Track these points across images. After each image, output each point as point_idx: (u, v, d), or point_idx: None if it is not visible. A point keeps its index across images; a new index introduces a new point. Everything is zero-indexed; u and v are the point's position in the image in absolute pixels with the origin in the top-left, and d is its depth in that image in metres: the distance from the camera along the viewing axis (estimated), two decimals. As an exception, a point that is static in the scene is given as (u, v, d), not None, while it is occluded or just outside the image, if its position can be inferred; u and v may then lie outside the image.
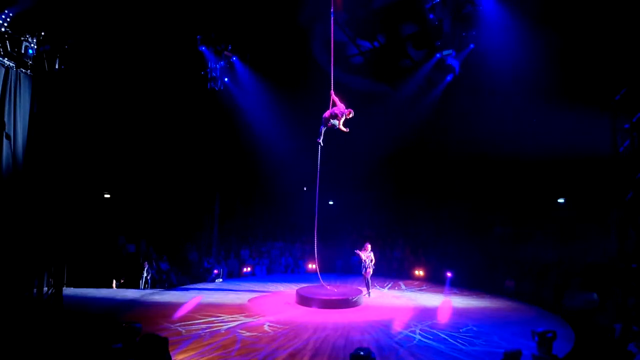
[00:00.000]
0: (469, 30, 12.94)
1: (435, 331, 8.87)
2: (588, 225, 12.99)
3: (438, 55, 14.06)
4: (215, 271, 14.92)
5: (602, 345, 8.11)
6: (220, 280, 14.83)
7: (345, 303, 10.88)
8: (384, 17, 13.89)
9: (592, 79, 10.98)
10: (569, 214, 14.23)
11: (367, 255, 12.07)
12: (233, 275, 15.69)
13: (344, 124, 10.15)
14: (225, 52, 14.62)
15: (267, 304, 11.24)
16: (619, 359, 6.83)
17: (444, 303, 11.65)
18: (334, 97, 10.25)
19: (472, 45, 13.23)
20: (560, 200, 15.43)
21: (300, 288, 12.15)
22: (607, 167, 9.37)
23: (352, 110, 10.08)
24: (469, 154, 14.85)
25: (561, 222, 14.06)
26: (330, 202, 18.46)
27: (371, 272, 12.13)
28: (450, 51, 13.68)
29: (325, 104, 10.53)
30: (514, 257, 13.97)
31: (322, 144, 10.71)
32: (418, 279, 15.32)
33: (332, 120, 10.21)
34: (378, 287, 13.13)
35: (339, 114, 9.99)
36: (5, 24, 9.57)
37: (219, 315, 9.91)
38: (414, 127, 16.13)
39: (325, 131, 10.57)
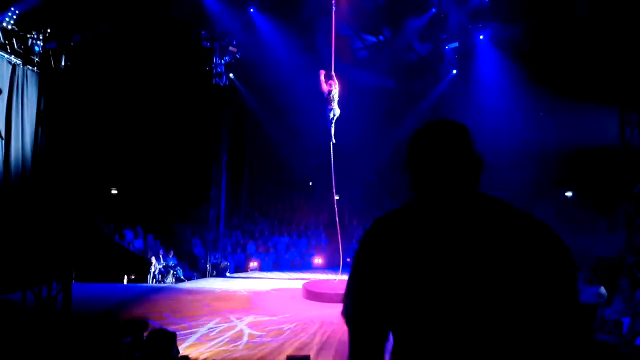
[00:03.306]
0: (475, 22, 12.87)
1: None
2: (596, 218, 12.90)
3: (443, 48, 13.98)
4: (222, 265, 14.99)
5: (610, 340, 8.07)
6: (227, 274, 14.89)
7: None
8: (389, 11, 13.82)
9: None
10: (576, 207, 14.13)
11: None
12: (239, 269, 15.76)
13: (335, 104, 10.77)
14: (230, 48, 14.62)
15: (273, 298, 11.28)
16: (628, 354, 6.80)
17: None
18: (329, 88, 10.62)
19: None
20: (568, 194, 15.31)
21: (307, 282, 12.18)
22: (615, 159, 9.28)
23: (332, 82, 10.67)
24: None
25: (568, 215, 13.95)
26: (337, 197, 18.46)
27: None
28: (455, 44, 13.60)
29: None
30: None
31: (334, 142, 11.18)
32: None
33: (333, 111, 10.67)
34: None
35: (330, 91, 10.61)
36: (12, 22, 9.61)
37: (226, 309, 9.96)
38: (419, 120, 16.07)
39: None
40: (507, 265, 1.18)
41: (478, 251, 1.19)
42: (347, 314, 1.36)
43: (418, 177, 1.35)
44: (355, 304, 1.33)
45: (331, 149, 11.30)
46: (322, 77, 10.63)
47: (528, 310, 1.18)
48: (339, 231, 12.09)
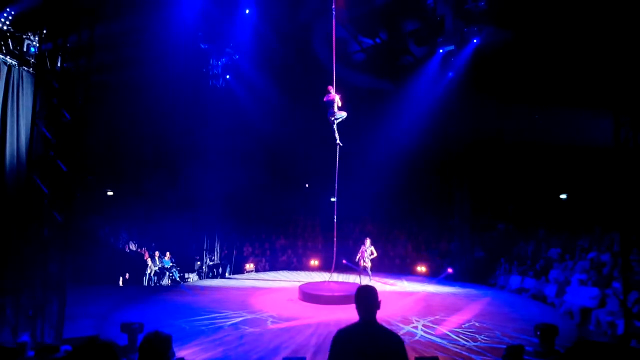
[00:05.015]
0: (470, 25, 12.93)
1: (437, 327, 8.89)
2: (590, 221, 12.97)
3: (439, 51, 14.04)
4: (218, 267, 14.97)
5: (604, 342, 8.12)
6: (224, 276, 14.87)
7: (348, 299, 10.90)
8: (386, 14, 13.87)
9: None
10: (571, 210, 14.22)
11: (365, 249, 12.87)
12: (236, 271, 15.75)
13: (339, 108, 11.01)
14: (227, 49, 14.62)
15: (269, 300, 11.28)
16: (622, 356, 6.84)
17: (445, 299, 11.67)
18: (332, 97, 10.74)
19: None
20: (563, 196, 15.40)
21: (303, 284, 12.18)
22: (609, 161, 9.33)
23: (337, 94, 10.97)
24: (472, 150, 14.79)
25: (563, 218, 14.04)
26: (333, 199, 18.47)
27: (369, 264, 12.77)
28: (451, 47, 13.66)
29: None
30: (517, 253, 13.98)
31: (341, 144, 11.36)
32: (420, 275, 15.34)
33: (337, 114, 10.76)
34: (380, 283, 13.17)
35: (333, 100, 10.88)
36: (8, 22, 9.58)
37: (222, 311, 9.96)
38: (417, 124, 16.12)
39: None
40: (384, 352, 3.01)
41: (374, 349, 2.98)
42: None
43: (357, 309, 3.11)
44: None
45: (337, 150, 11.45)
46: (330, 91, 10.84)
47: None
48: (335, 234, 12.24)
